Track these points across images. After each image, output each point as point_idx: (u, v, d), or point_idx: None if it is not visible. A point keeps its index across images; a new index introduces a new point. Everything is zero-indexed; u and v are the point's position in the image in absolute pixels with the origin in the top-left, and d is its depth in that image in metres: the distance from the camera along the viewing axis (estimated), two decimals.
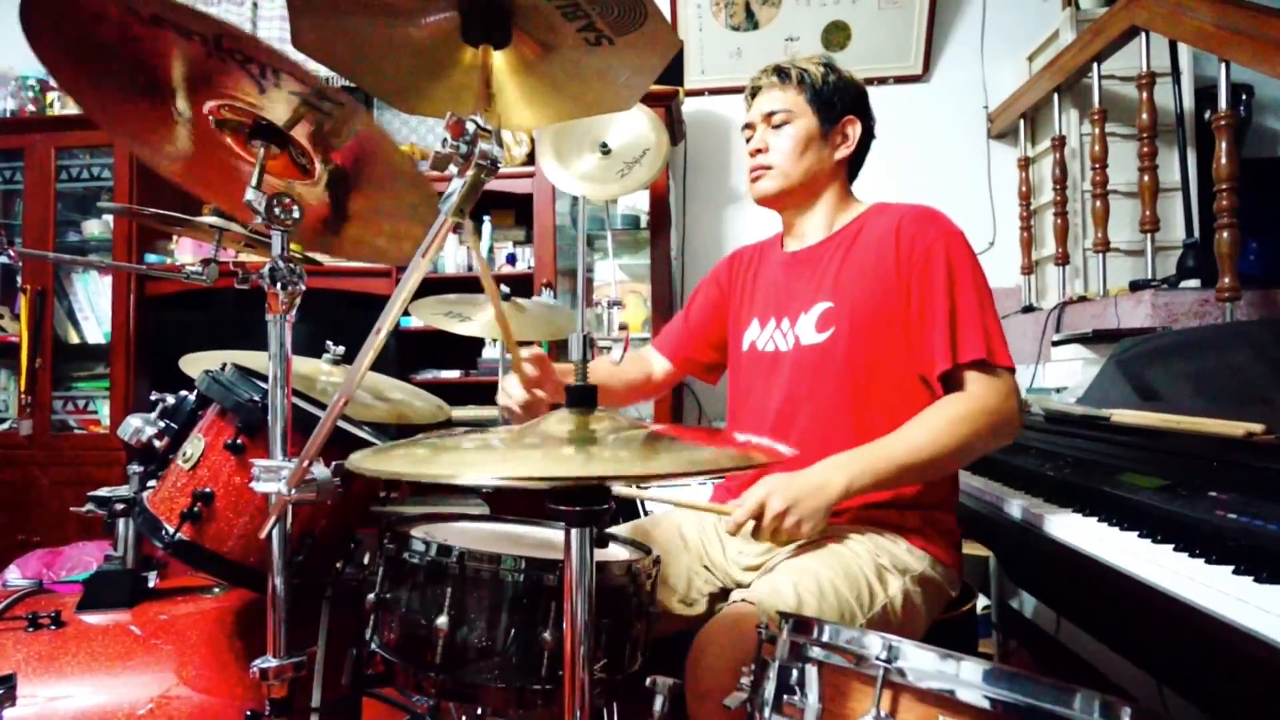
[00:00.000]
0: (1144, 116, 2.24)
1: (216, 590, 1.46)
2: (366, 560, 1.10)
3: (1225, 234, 1.89)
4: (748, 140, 1.43)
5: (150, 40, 0.89)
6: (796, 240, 1.45)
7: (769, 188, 1.39)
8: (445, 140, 0.74)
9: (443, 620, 0.94)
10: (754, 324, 1.44)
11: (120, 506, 1.43)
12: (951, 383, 1.22)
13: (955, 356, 1.20)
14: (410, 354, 3.09)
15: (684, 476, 1.07)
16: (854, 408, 1.27)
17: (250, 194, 1.02)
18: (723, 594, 1.30)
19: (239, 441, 1.24)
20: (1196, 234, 2.49)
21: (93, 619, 1.32)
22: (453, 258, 3.13)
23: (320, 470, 1.04)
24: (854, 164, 1.44)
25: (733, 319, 1.51)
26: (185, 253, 3.21)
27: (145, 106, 1.03)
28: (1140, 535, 1.08)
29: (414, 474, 0.72)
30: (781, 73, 1.39)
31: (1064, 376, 2.37)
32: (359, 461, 0.74)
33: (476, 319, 2.06)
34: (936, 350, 1.21)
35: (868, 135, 1.42)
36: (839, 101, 1.37)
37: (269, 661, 1.05)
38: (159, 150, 1.14)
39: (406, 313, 2.31)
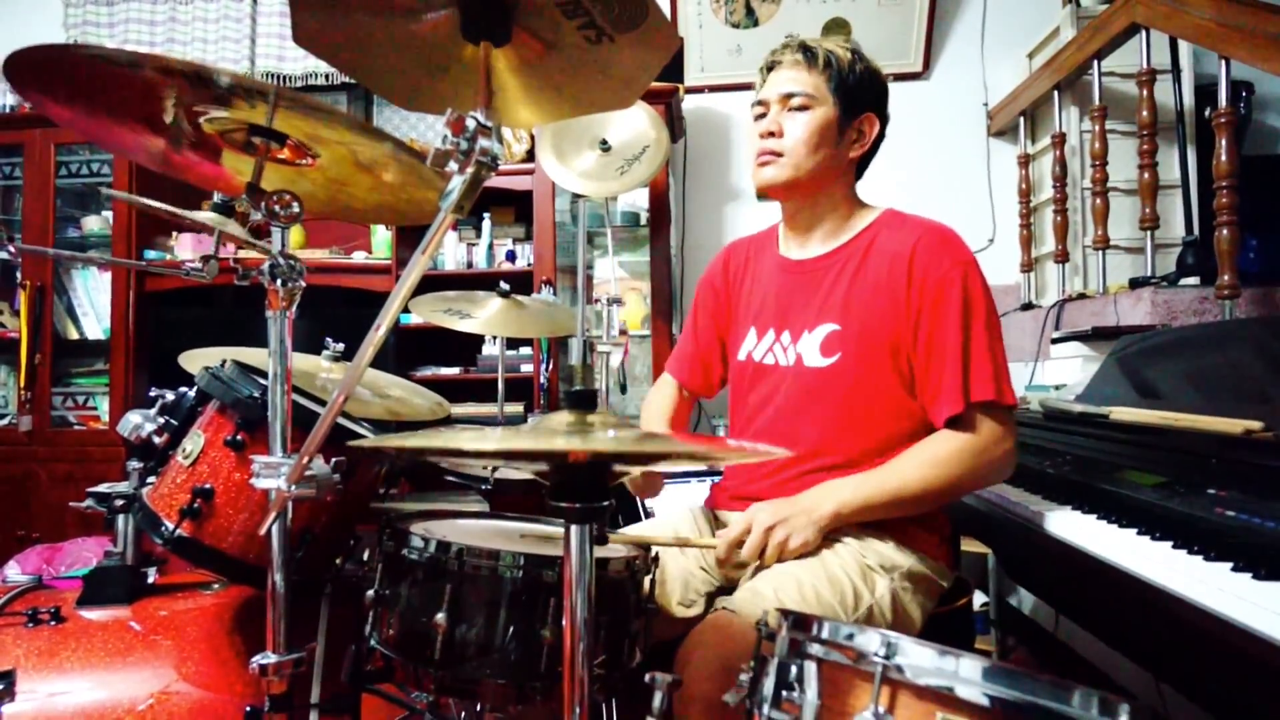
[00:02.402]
0: (1144, 114, 2.24)
1: (216, 586, 1.46)
2: (366, 557, 1.10)
3: (1225, 231, 1.89)
4: (757, 119, 1.32)
5: (135, 79, 0.94)
6: (798, 244, 1.38)
7: (776, 176, 1.29)
8: (445, 137, 0.74)
9: (442, 616, 0.94)
10: (751, 333, 1.40)
11: (120, 503, 1.43)
12: (955, 420, 1.20)
13: (966, 399, 1.18)
14: (410, 351, 3.09)
15: (677, 458, 1.07)
16: (854, 432, 1.26)
17: (249, 192, 1.02)
18: (719, 593, 1.30)
19: (239, 438, 1.24)
20: (1196, 231, 2.50)
21: (92, 615, 1.32)
22: (452, 255, 3.12)
23: (320, 466, 1.05)
24: (862, 163, 1.36)
25: (730, 321, 1.47)
26: (185, 249, 3.21)
27: (142, 128, 1.06)
28: (1139, 532, 1.08)
29: (420, 447, 0.73)
30: (807, 51, 1.28)
31: (1063, 374, 2.37)
32: (371, 443, 0.75)
33: (476, 316, 2.06)
34: (946, 393, 1.19)
35: (882, 134, 1.35)
36: (862, 94, 1.29)
37: (269, 657, 1.05)
38: (158, 158, 1.15)
39: (406, 310, 2.31)
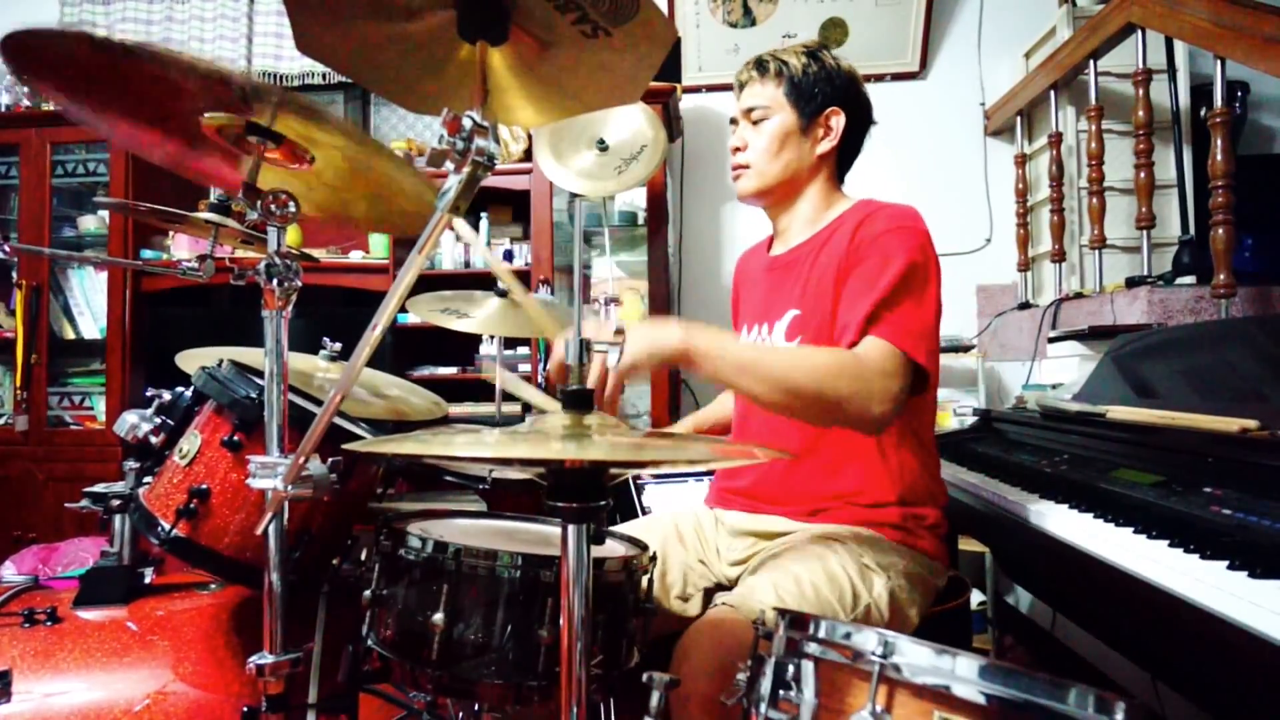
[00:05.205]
0: (1140, 113, 2.25)
1: (213, 586, 1.46)
2: (363, 556, 1.10)
3: (1221, 231, 1.90)
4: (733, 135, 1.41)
5: (129, 69, 0.93)
6: (782, 241, 1.44)
7: (746, 187, 1.38)
8: (442, 136, 0.74)
9: (439, 616, 0.94)
10: (743, 330, 1.46)
11: (116, 503, 1.42)
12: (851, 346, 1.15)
13: (864, 330, 1.14)
14: (407, 350, 3.08)
15: (672, 464, 1.08)
16: None
17: (245, 191, 1.02)
18: (716, 589, 1.31)
19: (235, 438, 1.24)
20: (1192, 231, 2.50)
21: (89, 615, 1.32)
22: (450, 254, 3.12)
23: (316, 466, 1.04)
24: (846, 155, 1.40)
25: (737, 326, 1.53)
26: (181, 249, 3.20)
27: (139, 119, 1.05)
28: (1135, 531, 1.09)
29: (415, 453, 0.73)
30: (761, 66, 1.37)
31: (1060, 373, 2.38)
32: (363, 446, 0.75)
33: (474, 315, 2.06)
34: (850, 325, 1.15)
35: (858, 125, 1.38)
36: (820, 93, 1.33)
37: (265, 658, 1.05)
38: (157, 150, 1.15)
39: (403, 309, 2.31)
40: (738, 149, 1.38)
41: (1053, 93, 2.75)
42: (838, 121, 1.35)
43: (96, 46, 0.90)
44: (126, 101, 1.01)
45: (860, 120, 1.38)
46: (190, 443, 1.28)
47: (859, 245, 1.23)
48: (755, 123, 1.36)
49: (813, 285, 1.29)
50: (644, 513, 1.79)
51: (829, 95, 1.34)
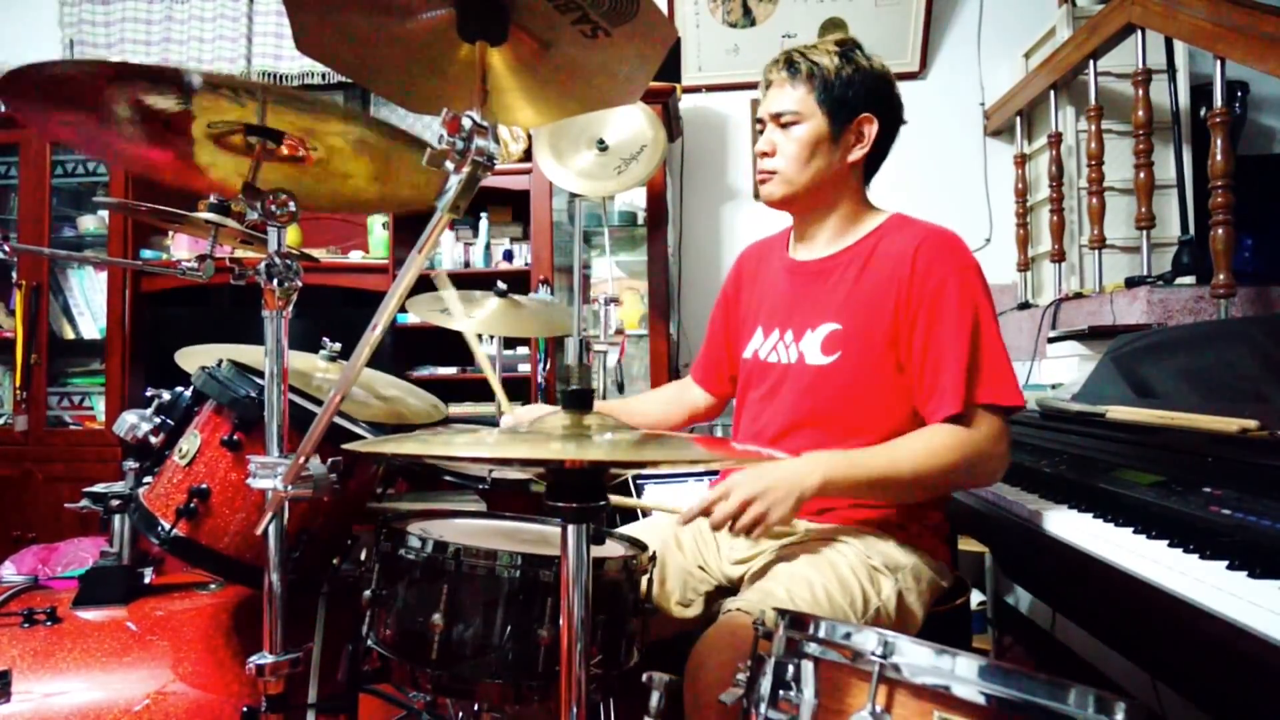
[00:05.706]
0: (1140, 113, 2.25)
1: (213, 586, 1.46)
2: (363, 556, 1.10)
3: (1220, 231, 1.90)
4: (760, 134, 1.37)
5: (127, 91, 0.94)
6: (806, 247, 1.39)
7: (774, 193, 1.33)
8: (442, 136, 0.74)
9: (439, 616, 0.95)
10: (758, 332, 1.41)
11: (116, 503, 1.43)
12: (953, 419, 1.18)
13: (968, 399, 1.16)
14: (407, 350, 3.08)
15: (672, 465, 1.08)
16: (852, 430, 1.25)
17: (245, 192, 1.02)
18: (718, 592, 1.31)
19: (235, 438, 1.24)
20: (1192, 231, 2.50)
21: (88, 615, 1.32)
22: (450, 254, 3.12)
23: (316, 466, 1.04)
24: (874, 159, 1.35)
25: (740, 322, 1.49)
26: (181, 249, 3.20)
27: (141, 140, 1.05)
28: (1135, 531, 1.09)
29: (415, 453, 0.73)
30: (791, 66, 1.29)
31: (1060, 373, 2.38)
32: (363, 446, 0.75)
33: (473, 315, 2.06)
34: (945, 393, 1.17)
35: (890, 129, 1.33)
36: (853, 97, 1.27)
37: (265, 658, 1.05)
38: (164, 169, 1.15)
39: (403, 309, 2.31)
40: (765, 154, 1.32)
41: (1052, 93, 2.75)
42: (870, 129, 1.30)
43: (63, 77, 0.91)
44: (117, 126, 1.02)
45: (892, 124, 1.34)
46: (190, 443, 1.28)
47: (918, 286, 1.21)
48: (784, 125, 1.30)
49: (856, 303, 1.27)
50: (643, 514, 1.79)
51: (863, 100, 1.28)
